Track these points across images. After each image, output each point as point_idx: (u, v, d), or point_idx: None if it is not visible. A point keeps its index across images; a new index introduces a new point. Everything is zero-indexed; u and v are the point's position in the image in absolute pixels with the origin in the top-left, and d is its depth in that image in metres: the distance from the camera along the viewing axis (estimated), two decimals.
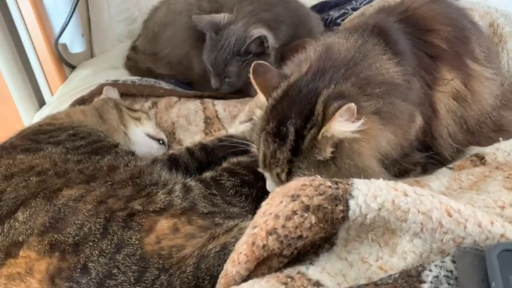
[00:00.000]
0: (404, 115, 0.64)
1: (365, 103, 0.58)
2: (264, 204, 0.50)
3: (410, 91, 0.66)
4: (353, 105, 0.53)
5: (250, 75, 0.66)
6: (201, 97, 1.13)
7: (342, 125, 0.56)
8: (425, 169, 0.74)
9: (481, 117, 0.76)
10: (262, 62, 0.68)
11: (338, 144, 0.58)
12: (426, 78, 0.70)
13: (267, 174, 0.65)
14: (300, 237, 0.46)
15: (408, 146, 0.70)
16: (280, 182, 0.62)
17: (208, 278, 0.50)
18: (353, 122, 0.55)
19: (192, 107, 1.07)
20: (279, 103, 0.62)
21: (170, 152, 0.87)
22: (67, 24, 1.17)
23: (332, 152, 0.58)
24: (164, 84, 1.17)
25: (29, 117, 1.24)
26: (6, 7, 1.17)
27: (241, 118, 0.99)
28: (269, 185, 0.66)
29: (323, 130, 0.56)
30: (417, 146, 0.73)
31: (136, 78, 1.19)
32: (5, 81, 1.20)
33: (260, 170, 0.65)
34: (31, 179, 0.63)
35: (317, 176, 0.50)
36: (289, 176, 0.60)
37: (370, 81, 0.62)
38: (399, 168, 0.71)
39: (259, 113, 0.66)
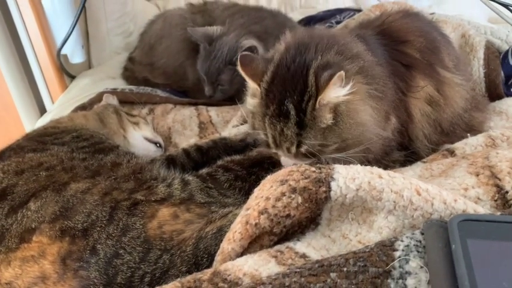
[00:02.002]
0: (384, 100, 0.70)
1: (348, 66, 0.64)
2: (256, 189, 0.56)
3: (385, 89, 0.72)
4: (342, 73, 0.59)
5: (239, 67, 0.69)
6: (195, 104, 1.19)
7: (335, 92, 0.61)
8: (403, 166, 0.80)
9: (454, 119, 0.82)
10: (247, 53, 0.72)
11: (336, 109, 0.63)
12: (401, 85, 0.76)
13: (279, 152, 0.69)
14: (288, 215, 0.51)
15: (387, 144, 0.76)
16: (290, 154, 0.67)
17: (206, 256, 0.55)
18: (343, 86, 0.61)
19: (187, 113, 1.12)
20: (271, 85, 0.66)
21: (168, 153, 0.92)
22: (69, 36, 1.23)
23: (333, 117, 0.63)
24: (160, 93, 1.23)
25: (31, 125, 1.29)
26: (10, 19, 1.23)
27: (233, 122, 1.05)
28: (283, 160, 0.69)
29: (319, 99, 0.62)
30: (396, 146, 0.79)
31: (133, 87, 1.25)
32: (9, 90, 1.25)
33: (273, 150, 0.69)
34: (41, 173, 0.67)
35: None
36: (299, 147, 0.65)
37: (347, 45, 0.68)
38: (380, 166, 0.77)
39: (251, 101, 0.70)
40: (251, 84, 0.70)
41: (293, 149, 0.66)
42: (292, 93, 0.64)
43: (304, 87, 0.63)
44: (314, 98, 0.62)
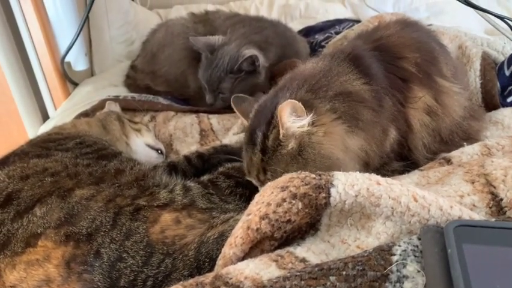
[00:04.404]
0: (374, 127, 0.72)
1: (319, 104, 0.68)
2: (257, 196, 0.56)
3: (381, 108, 0.73)
4: (293, 101, 0.62)
5: (232, 106, 0.79)
6: (196, 112, 1.21)
7: (294, 122, 0.64)
8: (401, 175, 0.81)
9: (453, 127, 0.83)
10: (239, 94, 0.82)
11: (300, 139, 0.66)
12: (399, 97, 0.77)
13: (252, 180, 0.73)
14: (288, 221, 0.52)
15: (386, 157, 0.77)
16: (261, 183, 0.70)
17: (207, 260, 0.56)
18: (303, 117, 0.64)
19: (188, 120, 1.14)
20: (252, 120, 0.73)
21: (169, 159, 0.93)
22: (73, 44, 1.26)
23: (297, 147, 0.66)
24: (162, 100, 1.25)
25: (34, 131, 1.30)
26: (16, 27, 1.25)
27: (234, 130, 1.06)
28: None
29: (280, 129, 0.65)
30: (395, 156, 0.80)
31: (135, 95, 1.27)
32: (12, 96, 1.27)
33: (247, 177, 0.74)
34: (46, 179, 0.68)
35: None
36: (265, 174, 0.68)
37: (323, 87, 0.71)
38: (378, 175, 0.78)
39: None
40: (243, 121, 0.79)
41: (261, 176, 0.69)
42: (262, 124, 0.69)
43: (271, 119, 0.68)
44: (277, 128, 0.66)
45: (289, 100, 0.62)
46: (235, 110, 0.79)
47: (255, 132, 0.69)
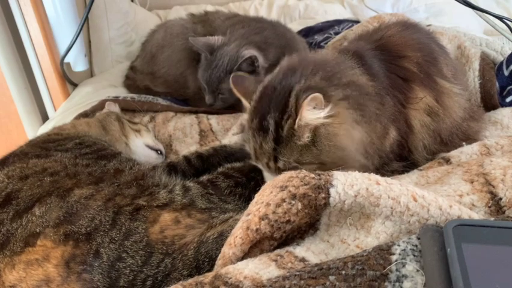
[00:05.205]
0: (376, 121, 0.72)
1: (332, 92, 0.67)
2: (256, 195, 0.56)
3: (382, 106, 0.73)
4: (317, 94, 0.62)
5: (231, 86, 0.76)
6: (196, 112, 1.21)
7: (312, 113, 0.64)
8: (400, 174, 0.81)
9: (453, 128, 0.83)
10: (239, 73, 0.79)
11: (316, 130, 0.65)
12: (400, 97, 0.77)
13: (259, 165, 0.72)
14: (288, 221, 0.52)
15: (386, 157, 0.77)
16: (270, 169, 0.69)
17: (207, 260, 0.56)
18: (322, 109, 0.63)
19: (188, 121, 1.14)
20: (258, 103, 0.71)
21: (169, 160, 0.93)
22: (72, 45, 1.26)
23: (312, 137, 0.65)
24: (161, 101, 1.25)
25: (33, 132, 1.30)
26: (15, 28, 1.25)
27: (233, 130, 1.07)
28: (265, 176, 0.73)
29: (297, 119, 0.64)
30: (394, 157, 0.80)
31: (135, 95, 1.27)
32: (12, 97, 1.27)
33: (253, 162, 0.73)
34: (45, 179, 0.68)
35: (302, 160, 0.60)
36: (276, 162, 0.68)
37: (337, 74, 0.70)
38: (378, 175, 0.78)
39: (245, 116, 0.75)
40: (243, 102, 0.75)
41: (271, 164, 0.69)
42: (274, 111, 0.67)
43: (285, 107, 0.67)
44: (293, 118, 0.65)
45: (315, 94, 0.61)
46: (233, 89, 0.76)
47: (266, 119, 0.68)
